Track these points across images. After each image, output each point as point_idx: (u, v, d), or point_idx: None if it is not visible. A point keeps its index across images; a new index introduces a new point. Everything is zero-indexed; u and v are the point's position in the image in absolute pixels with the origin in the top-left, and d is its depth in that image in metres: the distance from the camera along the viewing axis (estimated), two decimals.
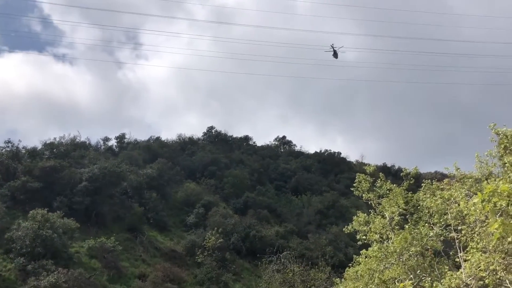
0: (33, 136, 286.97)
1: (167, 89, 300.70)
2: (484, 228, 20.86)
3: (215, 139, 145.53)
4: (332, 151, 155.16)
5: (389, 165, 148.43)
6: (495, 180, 22.04)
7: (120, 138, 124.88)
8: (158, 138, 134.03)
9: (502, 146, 24.68)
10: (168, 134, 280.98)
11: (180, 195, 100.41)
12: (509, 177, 21.35)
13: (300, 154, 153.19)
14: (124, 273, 65.43)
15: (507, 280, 19.17)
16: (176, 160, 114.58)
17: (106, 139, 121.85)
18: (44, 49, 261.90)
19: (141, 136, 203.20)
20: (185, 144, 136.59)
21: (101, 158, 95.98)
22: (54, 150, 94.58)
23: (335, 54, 72.51)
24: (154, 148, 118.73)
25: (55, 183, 76.65)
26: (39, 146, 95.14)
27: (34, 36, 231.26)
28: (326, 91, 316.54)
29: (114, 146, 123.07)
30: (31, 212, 61.88)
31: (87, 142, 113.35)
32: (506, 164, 22.74)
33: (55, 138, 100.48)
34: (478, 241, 21.32)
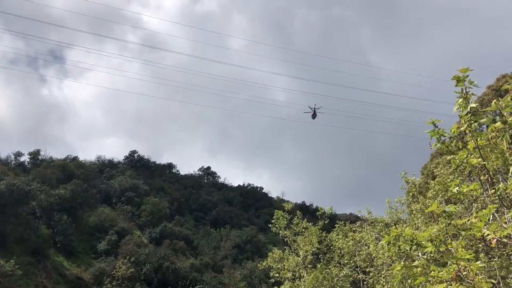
0: None
1: (92, 110, 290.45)
2: (390, 271, 21.80)
3: (137, 164, 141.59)
4: (254, 186, 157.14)
5: (308, 203, 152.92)
6: (402, 225, 23.31)
7: (34, 154, 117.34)
8: (75, 158, 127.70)
9: (411, 194, 26.36)
10: (89, 156, 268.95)
11: (93, 219, 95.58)
12: (415, 223, 22.69)
13: (224, 186, 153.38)
14: None
15: None
16: (93, 183, 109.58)
17: (18, 154, 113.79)
18: None
19: (59, 155, 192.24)
20: (104, 167, 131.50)
21: (10, 173, 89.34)
22: None
23: (314, 115, 73.15)
24: (70, 168, 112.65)
25: None
26: None
27: None
28: (256, 128, 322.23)
29: (26, 162, 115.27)
30: None
31: None
32: (413, 211, 24.17)
33: None
34: (384, 283, 22.21)
